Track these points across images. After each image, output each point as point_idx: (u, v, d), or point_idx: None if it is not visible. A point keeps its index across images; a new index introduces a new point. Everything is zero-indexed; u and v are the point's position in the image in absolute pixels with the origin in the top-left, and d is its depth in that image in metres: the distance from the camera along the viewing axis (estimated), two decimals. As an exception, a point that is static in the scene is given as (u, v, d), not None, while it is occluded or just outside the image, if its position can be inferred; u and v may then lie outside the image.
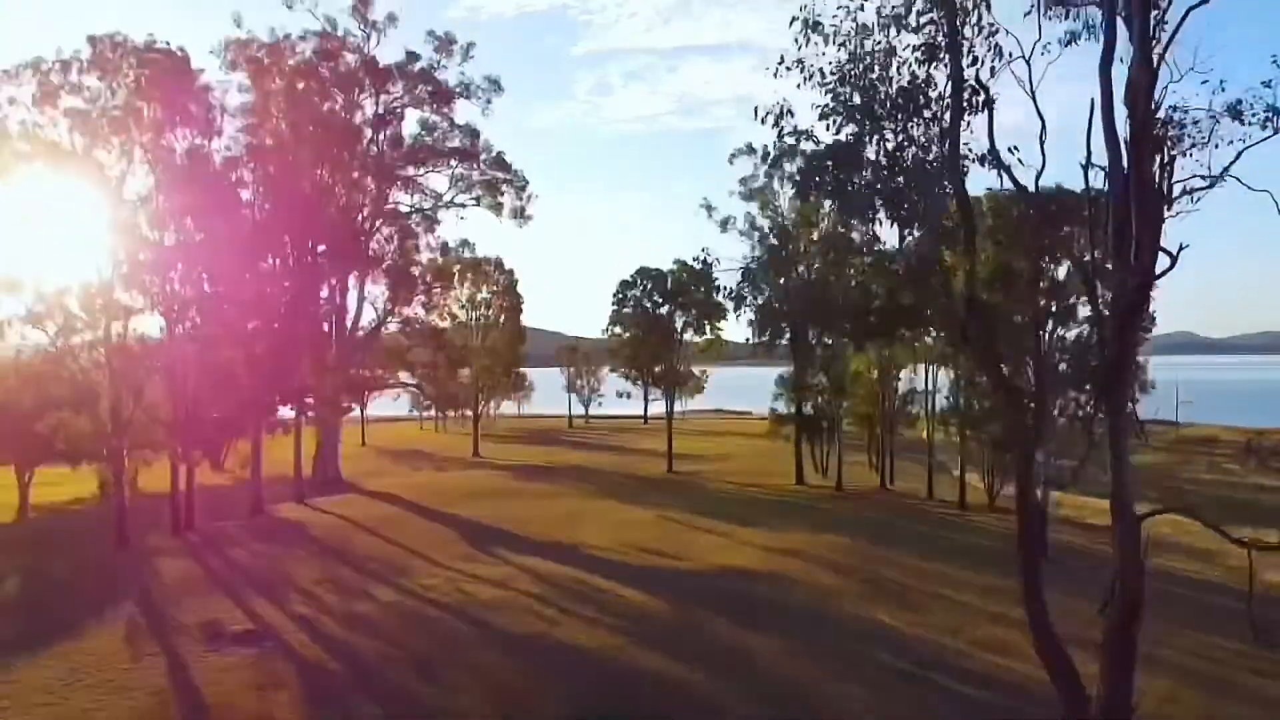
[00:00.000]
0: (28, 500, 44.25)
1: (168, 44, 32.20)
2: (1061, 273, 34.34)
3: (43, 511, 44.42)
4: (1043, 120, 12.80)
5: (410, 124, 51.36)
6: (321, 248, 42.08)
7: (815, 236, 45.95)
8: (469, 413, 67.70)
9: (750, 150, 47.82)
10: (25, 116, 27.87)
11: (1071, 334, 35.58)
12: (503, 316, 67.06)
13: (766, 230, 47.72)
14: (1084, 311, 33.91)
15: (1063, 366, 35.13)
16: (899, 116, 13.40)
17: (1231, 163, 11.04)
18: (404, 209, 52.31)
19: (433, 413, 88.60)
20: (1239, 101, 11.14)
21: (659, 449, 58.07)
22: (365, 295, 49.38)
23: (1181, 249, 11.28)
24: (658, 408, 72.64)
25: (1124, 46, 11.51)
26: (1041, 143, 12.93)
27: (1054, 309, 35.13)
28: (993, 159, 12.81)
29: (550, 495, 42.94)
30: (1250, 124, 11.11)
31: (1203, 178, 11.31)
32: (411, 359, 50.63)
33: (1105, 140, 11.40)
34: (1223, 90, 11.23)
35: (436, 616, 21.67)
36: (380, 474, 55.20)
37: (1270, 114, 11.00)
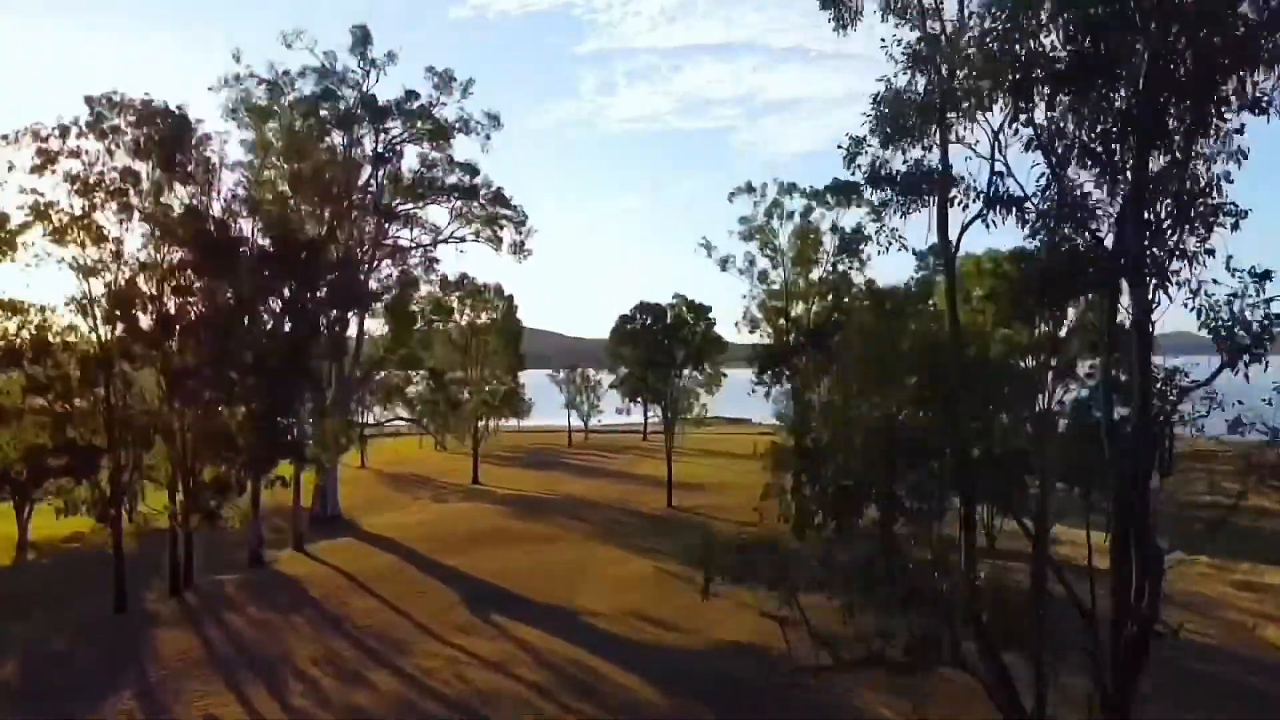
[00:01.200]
0: (26, 536, 44.26)
1: (165, 105, 32.13)
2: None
3: (41, 550, 44.45)
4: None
5: (410, 158, 51.58)
6: (322, 290, 42.11)
7: (815, 276, 46.01)
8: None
9: (750, 189, 47.76)
10: (24, 181, 27.84)
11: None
12: (502, 343, 67.13)
13: (767, 269, 47.76)
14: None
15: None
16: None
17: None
18: (404, 243, 52.59)
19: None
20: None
21: (658, 475, 57.84)
22: (365, 332, 49.49)
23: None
24: (657, 413, 72.67)
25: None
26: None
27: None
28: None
29: (549, 540, 42.95)
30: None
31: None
32: (412, 395, 50.56)
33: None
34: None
35: (434, 712, 21.68)
36: (379, 507, 55.24)
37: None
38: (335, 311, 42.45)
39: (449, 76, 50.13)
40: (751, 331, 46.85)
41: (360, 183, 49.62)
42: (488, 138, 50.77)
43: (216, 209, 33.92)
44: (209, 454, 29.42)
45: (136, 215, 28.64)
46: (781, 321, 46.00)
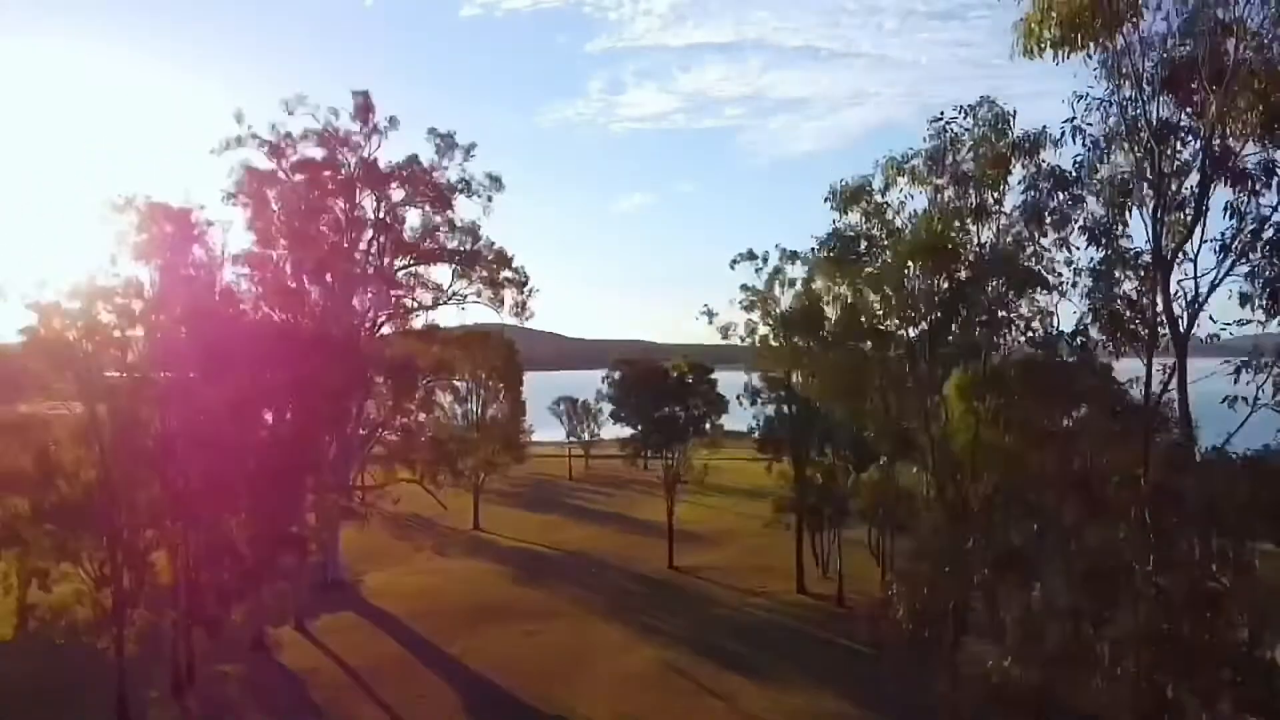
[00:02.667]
0: (26, 604, 44.19)
1: (168, 205, 32.14)
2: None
3: (42, 620, 44.37)
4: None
5: (412, 217, 51.62)
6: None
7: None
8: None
9: (751, 256, 47.76)
10: (27, 292, 27.80)
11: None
12: (503, 390, 67.17)
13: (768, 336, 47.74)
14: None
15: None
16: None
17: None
18: (406, 301, 52.59)
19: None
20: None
21: (658, 520, 57.50)
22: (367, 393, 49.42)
23: None
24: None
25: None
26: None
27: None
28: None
29: (550, 615, 42.93)
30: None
31: None
32: (413, 457, 50.55)
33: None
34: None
35: None
36: (380, 559, 55.13)
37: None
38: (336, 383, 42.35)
39: (451, 141, 50.19)
40: (753, 404, 46.92)
41: (361, 247, 49.74)
42: (489, 199, 50.81)
43: (218, 302, 33.93)
44: (211, 566, 29.44)
45: (139, 327, 28.63)
46: (782, 392, 46.04)
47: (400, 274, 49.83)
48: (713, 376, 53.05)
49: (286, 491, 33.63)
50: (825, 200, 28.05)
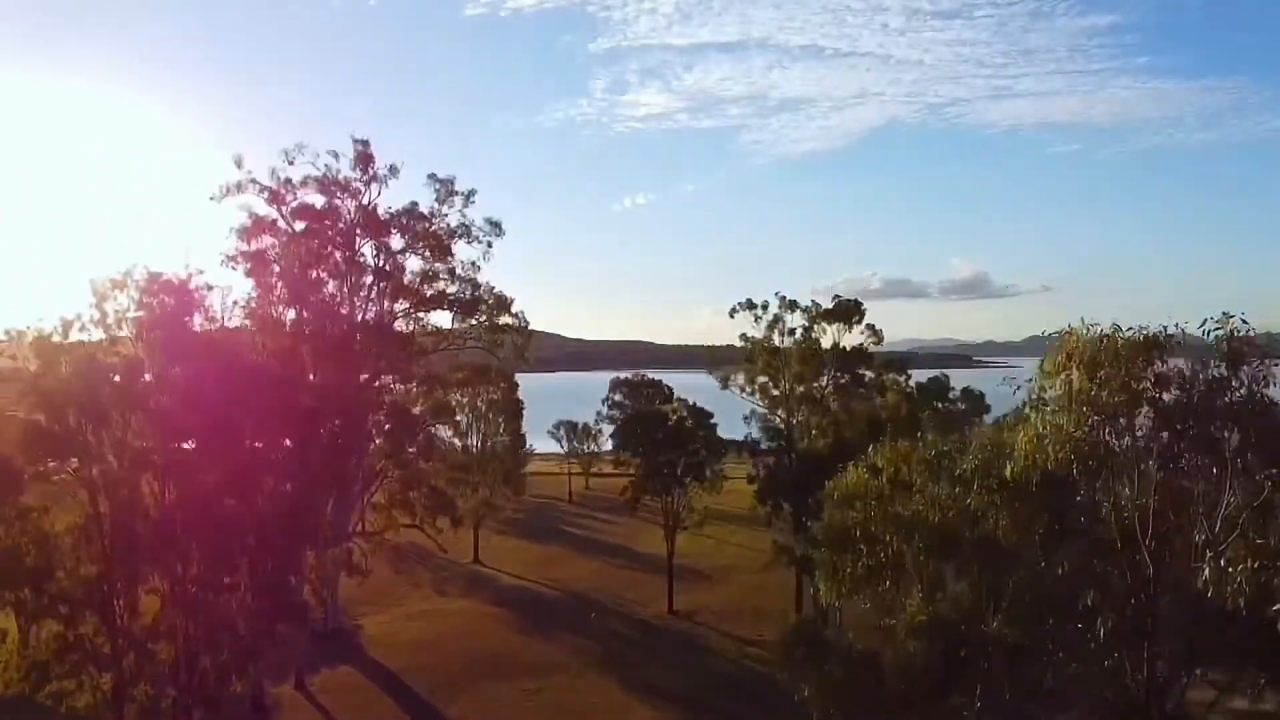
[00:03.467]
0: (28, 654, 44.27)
1: (168, 279, 32.09)
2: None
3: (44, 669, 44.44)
4: None
5: (412, 262, 51.58)
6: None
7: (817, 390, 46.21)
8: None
9: (750, 305, 47.86)
10: (25, 384, 27.75)
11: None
12: (503, 424, 67.25)
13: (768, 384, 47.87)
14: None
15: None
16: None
17: None
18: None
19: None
20: None
21: (658, 553, 57.27)
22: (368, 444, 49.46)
23: None
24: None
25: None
26: None
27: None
28: None
29: (548, 670, 42.88)
30: None
31: None
32: (412, 501, 50.58)
33: None
34: None
35: None
36: (379, 598, 55.01)
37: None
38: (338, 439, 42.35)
39: (450, 187, 50.15)
40: (752, 456, 46.96)
41: (361, 294, 49.76)
42: (489, 245, 50.74)
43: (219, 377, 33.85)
44: (211, 648, 29.42)
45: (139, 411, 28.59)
46: (782, 443, 46.11)
47: (400, 319, 49.82)
48: (712, 421, 53.05)
49: (287, 560, 33.61)
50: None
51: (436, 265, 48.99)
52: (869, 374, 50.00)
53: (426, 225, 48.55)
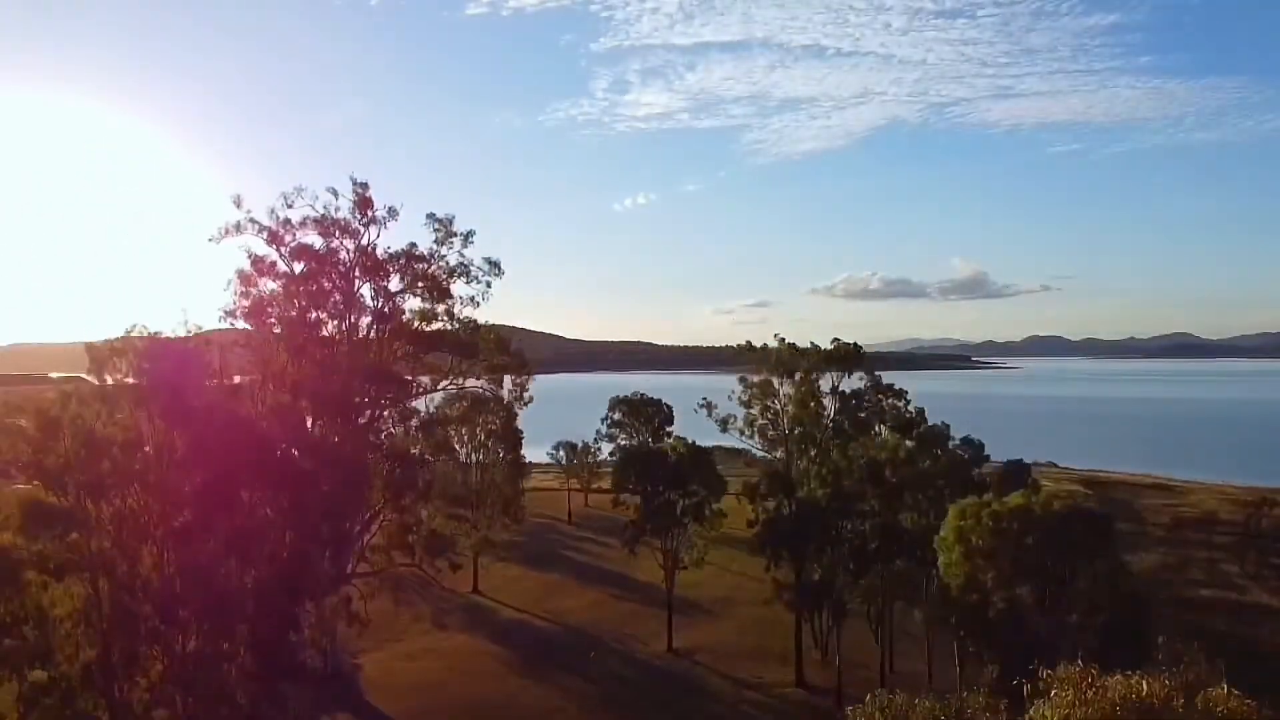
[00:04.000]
0: None
1: (169, 342, 32.17)
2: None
3: None
4: None
5: (412, 301, 51.60)
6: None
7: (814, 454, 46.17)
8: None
9: (751, 348, 47.89)
10: (24, 451, 27.79)
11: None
12: (501, 453, 67.24)
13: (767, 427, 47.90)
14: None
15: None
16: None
17: None
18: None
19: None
20: None
21: (657, 583, 57.22)
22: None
23: None
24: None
25: None
26: None
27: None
28: None
29: (549, 715, 43.01)
30: None
31: None
32: (411, 542, 50.60)
33: None
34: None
35: None
36: (379, 632, 54.65)
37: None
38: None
39: (449, 227, 50.14)
40: (752, 502, 46.96)
41: (359, 336, 49.78)
42: (488, 285, 50.77)
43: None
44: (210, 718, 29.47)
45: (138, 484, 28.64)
46: (783, 497, 46.11)
47: (399, 359, 49.86)
48: (711, 459, 52.99)
49: (286, 620, 33.64)
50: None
51: (436, 306, 48.95)
52: (867, 403, 50.00)
53: (425, 266, 48.53)
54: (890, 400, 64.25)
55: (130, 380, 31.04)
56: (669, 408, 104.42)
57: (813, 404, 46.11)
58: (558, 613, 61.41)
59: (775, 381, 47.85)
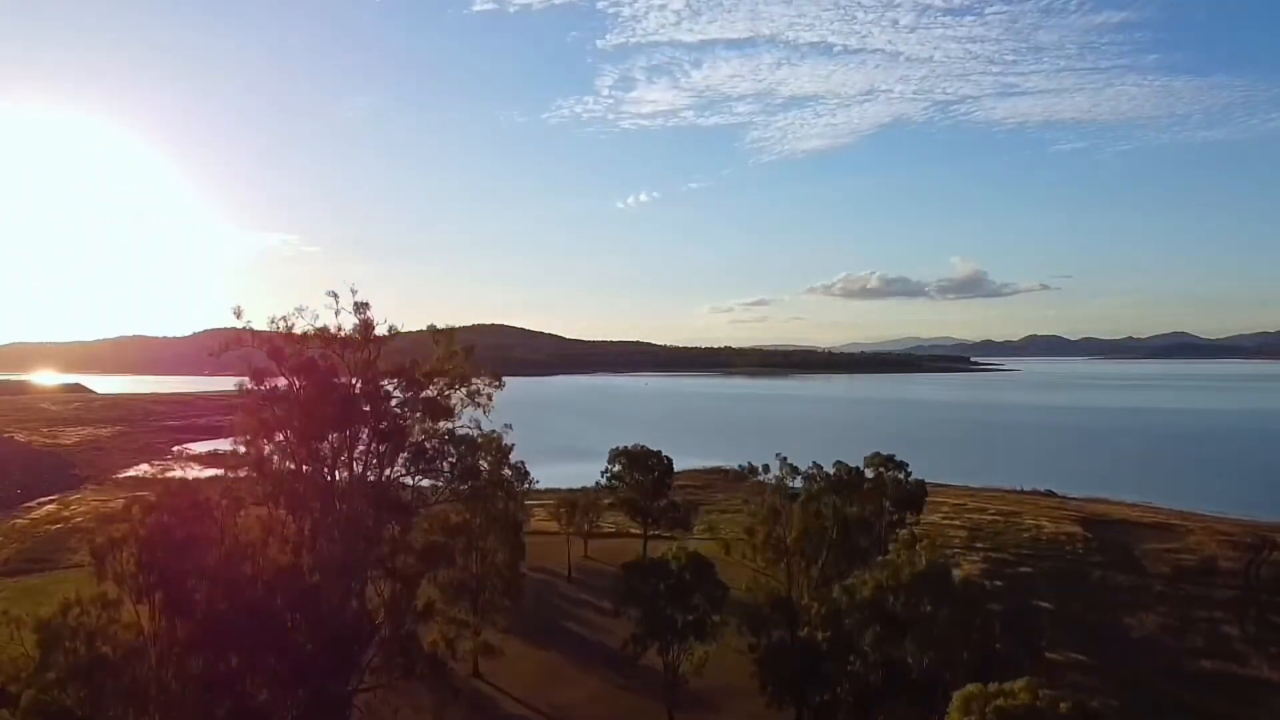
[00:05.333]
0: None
1: (176, 506, 31.91)
2: None
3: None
4: None
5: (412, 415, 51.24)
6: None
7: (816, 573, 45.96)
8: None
9: (752, 470, 47.63)
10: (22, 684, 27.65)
11: None
12: (501, 538, 67.05)
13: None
14: None
15: None
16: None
17: None
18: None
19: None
20: None
21: (658, 668, 56.48)
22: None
23: None
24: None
25: None
26: None
27: None
28: None
29: None
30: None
31: None
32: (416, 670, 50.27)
33: None
34: None
35: None
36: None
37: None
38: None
39: (451, 338, 49.89)
40: (755, 635, 46.73)
41: (357, 452, 49.48)
42: (489, 398, 50.58)
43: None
44: None
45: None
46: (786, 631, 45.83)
47: (401, 478, 49.57)
48: (713, 570, 52.68)
49: None
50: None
51: (438, 425, 48.68)
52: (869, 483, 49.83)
53: (425, 385, 48.24)
54: (892, 473, 64.18)
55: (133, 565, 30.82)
56: (668, 460, 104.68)
57: (815, 524, 45.94)
58: (560, 707, 61.24)
59: (777, 503, 47.68)
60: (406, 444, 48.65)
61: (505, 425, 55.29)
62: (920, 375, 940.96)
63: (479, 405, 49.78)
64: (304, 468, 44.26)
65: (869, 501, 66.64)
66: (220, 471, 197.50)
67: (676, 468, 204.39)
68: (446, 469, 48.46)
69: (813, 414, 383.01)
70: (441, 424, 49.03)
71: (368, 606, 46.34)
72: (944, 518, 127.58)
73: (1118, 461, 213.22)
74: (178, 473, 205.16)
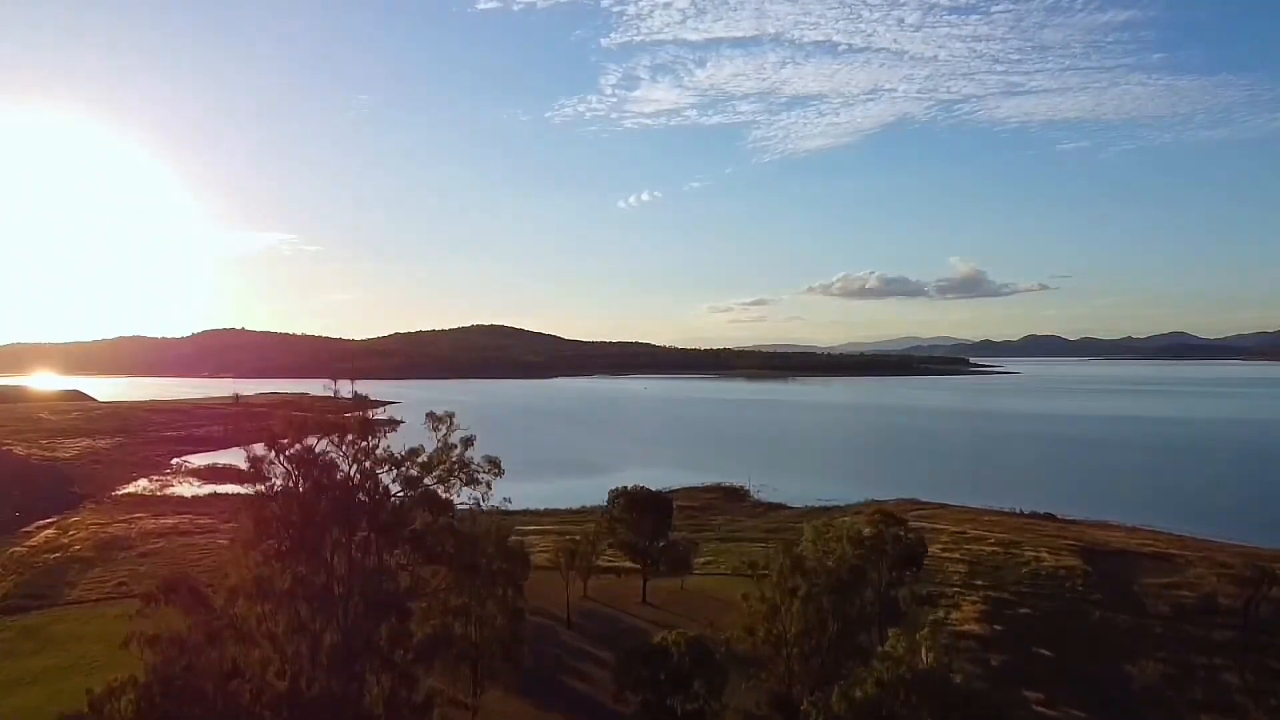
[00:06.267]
0: None
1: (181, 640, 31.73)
2: None
3: None
4: None
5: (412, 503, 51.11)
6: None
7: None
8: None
9: (752, 566, 47.44)
10: None
11: None
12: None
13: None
14: None
15: None
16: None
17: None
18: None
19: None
20: None
21: None
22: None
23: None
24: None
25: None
26: None
27: None
28: None
29: None
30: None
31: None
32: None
33: None
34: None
35: None
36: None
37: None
38: None
39: (451, 425, 49.75)
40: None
41: (356, 538, 49.36)
42: (489, 487, 50.47)
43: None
44: None
45: None
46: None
47: (399, 570, 49.46)
48: (713, 655, 52.50)
49: None
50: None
51: (439, 520, 48.59)
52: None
53: (420, 479, 48.13)
54: (892, 529, 64.11)
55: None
56: (668, 501, 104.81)
57: (815, 619, 45.84)
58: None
59: (779, 599, 47.55)
60: (406, 533, 48.47)
61: (505, 499, 55.04)
62: (919, 379, 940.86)
63: (478, 492, 49.57)
64: (301, 569, 44.01)
65: (869, 562, 66.71)
66: (215, 489, 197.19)
67: (675, 485, 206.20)
68: (446, 560, 48.16)
69: (811, 423, 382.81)
70: (441, 519, 48.82)
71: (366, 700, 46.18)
72: (943, 549, 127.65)
73: (1117, 478, 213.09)
74: (175, 489, 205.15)
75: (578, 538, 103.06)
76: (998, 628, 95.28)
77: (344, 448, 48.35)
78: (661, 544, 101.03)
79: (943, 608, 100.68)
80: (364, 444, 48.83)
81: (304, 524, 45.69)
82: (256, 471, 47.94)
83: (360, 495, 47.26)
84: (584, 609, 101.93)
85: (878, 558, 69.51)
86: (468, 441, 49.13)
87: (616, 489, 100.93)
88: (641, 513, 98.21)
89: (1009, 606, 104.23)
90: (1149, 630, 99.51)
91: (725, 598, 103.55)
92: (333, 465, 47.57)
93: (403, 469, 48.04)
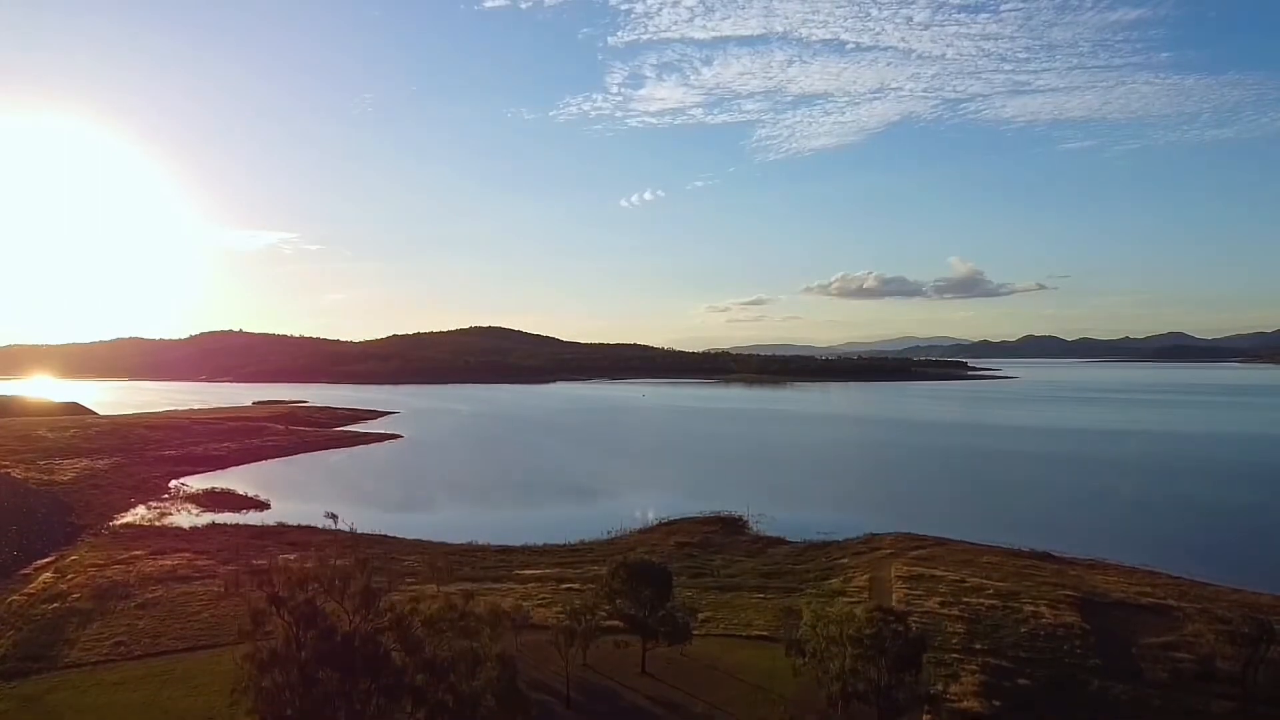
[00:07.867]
0: None
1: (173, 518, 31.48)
2: None
3: None
4: None
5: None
6: None
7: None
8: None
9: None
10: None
11: None
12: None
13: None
14: None
15: None
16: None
17: None
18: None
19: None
20: None
21: None
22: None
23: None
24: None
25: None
26: None
27: None
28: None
29: None
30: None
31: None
32: None
33: None
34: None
35: None
36: None
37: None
38: None
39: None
40: None
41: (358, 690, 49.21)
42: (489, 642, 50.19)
43: None
44: None
45: None
46: None
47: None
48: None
49: None
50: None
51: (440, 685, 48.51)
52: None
53: (422, 643, 48.01)
54: (892, 625, 64.23)
55: None
56: (668, 572, 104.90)
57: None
58: None
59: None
60: (406, 688, 48.38)
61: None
62: (916, 385, 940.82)
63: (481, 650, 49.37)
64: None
65: (869, 661, 66.74)
66: (214, 518, 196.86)
67: (674, 515, 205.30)
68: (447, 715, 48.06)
69: (810, 441, 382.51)
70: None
71: None
72: (941, 604, 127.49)
73: (1115, 509, 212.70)
74: (173, 518, 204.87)
75: (577, 604, 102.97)
76: (996, 703, 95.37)
77: (344, 603, 48.26)
78: (660, 614, 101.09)
79: (941, 678, 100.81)
80: (364, 614, 48.72)
81: (305, 694, 45.62)
82: (256, 624, 47.81)
83: (362, 658, 47.18)
84: (583, 681, 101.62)
85: (877, 655, 69.77)
86: (468, 596, 49.12)
87: (616, 561, 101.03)
88: (640, 583, 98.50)
89: (1008, 676, 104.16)
90: (1148, 702, 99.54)
91: (726, 666, 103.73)
92: (333, 629, 47.51)
93: (402, 632, 48.02)
